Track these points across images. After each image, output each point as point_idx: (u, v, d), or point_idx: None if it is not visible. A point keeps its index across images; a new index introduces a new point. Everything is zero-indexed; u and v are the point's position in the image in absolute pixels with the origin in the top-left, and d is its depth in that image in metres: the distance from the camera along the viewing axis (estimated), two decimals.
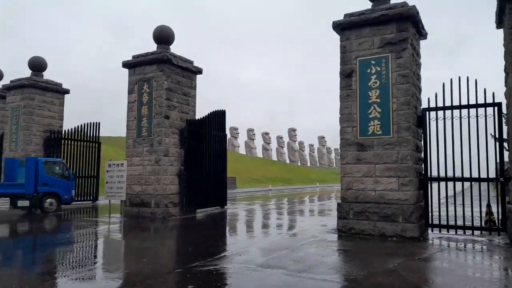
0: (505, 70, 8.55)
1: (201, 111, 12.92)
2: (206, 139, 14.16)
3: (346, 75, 9.66)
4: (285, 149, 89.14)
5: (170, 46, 13.54)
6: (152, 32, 13.55)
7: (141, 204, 12.59)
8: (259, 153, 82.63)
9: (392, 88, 9.10)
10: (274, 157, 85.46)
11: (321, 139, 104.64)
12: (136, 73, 13.30)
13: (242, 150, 79.94)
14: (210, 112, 14.54)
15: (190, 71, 13.64)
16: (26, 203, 13.10)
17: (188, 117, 13.44)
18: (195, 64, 13.91)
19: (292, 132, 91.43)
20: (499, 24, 9.02)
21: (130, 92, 13.41)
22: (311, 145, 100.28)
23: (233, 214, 13.99)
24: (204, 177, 13.91)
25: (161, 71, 12.77)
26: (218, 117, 14.98)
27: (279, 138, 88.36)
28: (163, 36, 13.31)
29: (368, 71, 9.41)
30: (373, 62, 9.37)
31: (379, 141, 9.15)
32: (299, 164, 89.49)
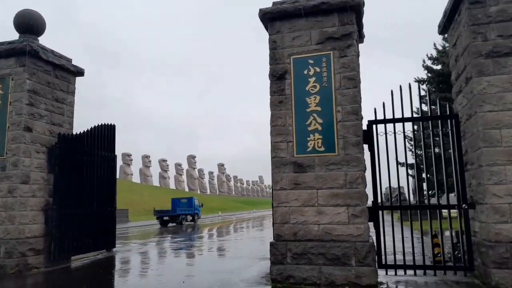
0: (461, 75, 7.37)
1: (82, 126, 9.44)
2: (87, 161, 10.74)
3: (278, 77, 7.60)
4: (184, 177, 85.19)
5: (39, 38, 10.08)
6: (13, 18, 9.96)
7: None
8: (155, 181, 77.20)
9: (335, 93, 7.28)
10: (172, 186, 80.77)
11: (221, 166, 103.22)
12: None
13: (136, 179, 73.71)
14: (94, 126, 11.21)
15: (66, 70, 10.27)
16: (189, 218, 32.40)
17: (62, 131, 9.96)
18: (74, 63, 10.60)
19: (191, 159, 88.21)
20: (448, 23, 7.95)
21: None
22: (210, 173, 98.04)
23: (123, 260, 10.63)
24: (83, 212, 10.39)
25: (22, 66, 9.21)
26: (105, 133, 11.68)
27: (178, 165, 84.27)
28: (28, 23, 9.81)
29: (305, 72, 7.48)
30: (310, 61, 7.48)
31: (321, 159, 7.16)
32: (199, 192, 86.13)
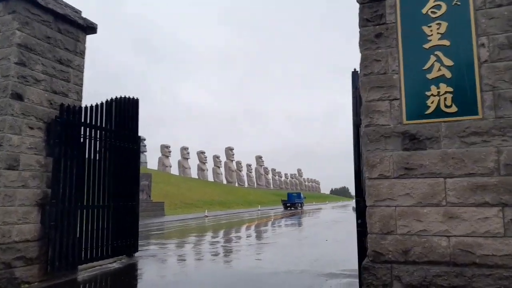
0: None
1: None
2: (101, 142, 8.39)
3: None
4: (222, 169, 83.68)
5: None
6: None
7: None
8: (193, 173, 76.15)
9: (476, 15, 4.34)
10: (210, 178, 79.46)
11: (259, 159, 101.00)
12: None
13: (174, 171, 72.90)
14: (111, 99, 8.84)
15: (73, 23, 7.91)
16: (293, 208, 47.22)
17: (67, 102, 7.63)
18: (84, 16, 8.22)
19: (229, 151, 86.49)
20: None
21: None
22: (248, 165, 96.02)
23: (147, 274, 8.19)
24: (94, 207, 8.07)
25: (11, 13, 6.91)
26: (126, 108, 9.30)
27: (216, 157, 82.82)
28: None
29: None
30: None
31: (452, 127, 4.29)
32: (237, 185, 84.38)
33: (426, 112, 4.46)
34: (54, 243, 7.09)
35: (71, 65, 7.85)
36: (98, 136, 8.29)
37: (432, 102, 4.42)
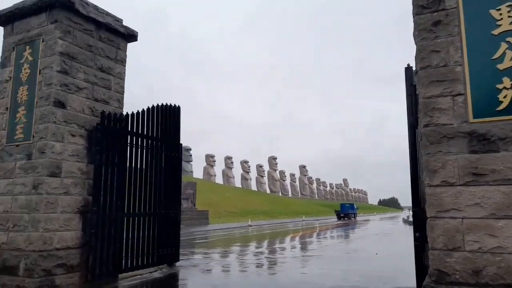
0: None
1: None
2: (143, 150, 8.33)
3: None
4: (266, 179, 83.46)
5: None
6: None
7: (1, 269, 6.50)
8: (237, 183, 76.55)
9: None
10: (254, 187, 79.45)
11: (302, 168, 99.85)
12: (15, 31, 7.53)
13: (219, 180, 73.67)
14: (152, 106, 8.79)
15: (113, 31, 7.96)
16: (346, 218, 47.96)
17: (108, 109, 7.63)
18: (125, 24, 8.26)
19: (272, 160, 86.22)
20: None
21: (2, 64, 7.57)
22: (292, 175, 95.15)
23: (187, 285, 7.94)
24: (135, 215, 7.98)
25: (53, 22, 7.04)
26: (167, 116, 9.22)
27: (259, 166, 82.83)
28: None
29: None
30: None
31: None
32: (280, 194, 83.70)
33: (498, 109, 3.83)
34: (95, 250, 7.02)
35: (112, 73, 7.87)
36: (139, 144, 8.23)
37: (504, 97, 3.78)
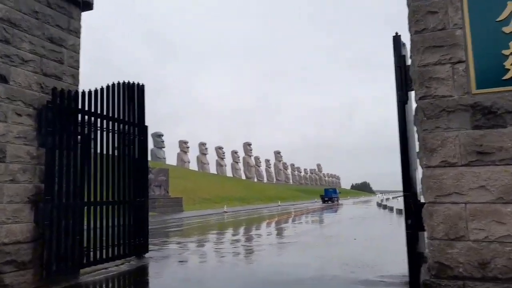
0: None
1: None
2: (102, 131, 7.52)
3: None
4: (241, 165, 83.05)
5: None
6: None
7: None
8: (212, 169, 75.74)
9: None
10: (229, 173, 78.92)
11: (277, 154, 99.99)
12: None
13: (193, 166, 72.63)
14: (113, 84, 7.94)
15: None
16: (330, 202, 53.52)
17: (61, 86, 6.75)
18: None
19: (247, 146, 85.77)
20: None
21: None
22: (267, 160, 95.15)
23: (156, 279, 7.28)
24: (97, 204, 7.22)
25: None
26: (130, 96, 8.40)
27: (234, 152, 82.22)
28: None
29: None
30: None
31: None
32: (256, 180, 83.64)
33: (504, 78, 3.34)
34: (50, 244, 6.24)
35: (64, 45, 6.97)
36: (98, 125, 7.41)
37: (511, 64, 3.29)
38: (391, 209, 28.73)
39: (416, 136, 4.31)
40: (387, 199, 51.10)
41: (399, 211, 24.50)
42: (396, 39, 4.62)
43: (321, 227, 17.19)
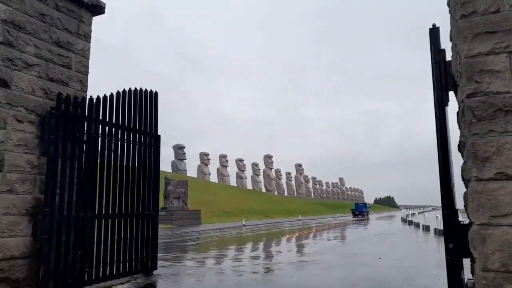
0: None
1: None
2: (111, 141, 7.11)
3: None
4: (261, 177, 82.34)
5: None
6: None
7: None
8: (232, 181, 75.34)
9: None
10: (249, 186, 78.28)
11: (298, 167, 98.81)
12: None
13: (213, 178, 72.45)
14: (123, 90, 7.57)
15: (74, 1, 6.71)
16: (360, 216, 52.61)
17: (67, 91, 6.40)
18: None
19: (268, 159, 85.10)
20: None
21: None
22: (288, 173, 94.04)
23: None
24: (103, 217, 6.77)
25: None
26: (142, 103, 8.01)
27: (255, 165, 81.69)
28: None
29: None
30: None
31: None
32: (276, 193, 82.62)
33: None
34: (48, 260, 5.81)
35: (72, 49, 6.65)
36: (107, 133, 7.02)
37: None
38: (417, 225, 27.39)
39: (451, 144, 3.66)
40: (413, 214, 49.11)
41: (425, 228, 23.25)
42: (434, 32, 4.00)
43: (343, 244, 16.30)
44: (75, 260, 6.18)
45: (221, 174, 73.67)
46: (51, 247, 5.84)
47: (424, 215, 28.15)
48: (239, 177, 77.13)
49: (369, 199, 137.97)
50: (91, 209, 6.55)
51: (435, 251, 13.37)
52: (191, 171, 69.93)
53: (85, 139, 6.54)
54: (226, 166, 75.19)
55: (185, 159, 66.42)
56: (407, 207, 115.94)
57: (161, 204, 29.75)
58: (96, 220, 6.65)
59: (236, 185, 74.09)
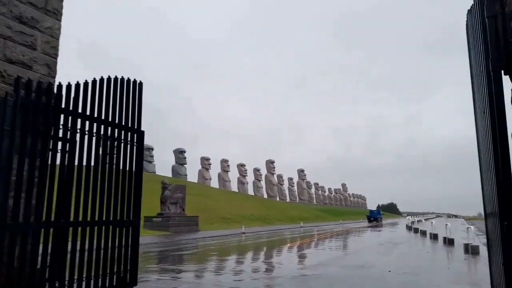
0: None
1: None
2: (82, 135, 6.11)
3: None
4: (263, 183, 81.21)
5: None
6: None
7: None
8: (233, 186, 74.26)
9: None
10: (251, 191, 77.15)
11: (301, 172, 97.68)
12: None
13: (214, 184, 71.39)
14: (101, 78, 6.58)
15: None
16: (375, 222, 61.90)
17: (30, 75, 5.42)
18: None
19: (270, 164, 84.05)
20: None
21: None
22: (290, 179, 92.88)
23: None
24: (70, 225, 5.75)
25: None
26: (122, 93, 7.01)
27: (256, 170, 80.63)
28: None
29: None
30: None
31: None
32: (278, 199, 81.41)
33: None
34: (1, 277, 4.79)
35: (38, 27, 5.68)
36: (78, 127, 6.02)
37: None
38: (423, 233, 26.24)
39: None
40: (419, 221, 47.75)
41: (433, 236, 22.10)
42: (479, 5, 3.02)
43: (348, 254, 15.21)
44: (33, 275, 5.15)
45: (222, 179, 72.63)
46: (2, 261, 4.83)
47: (432, 222, 26.92)
48: (241, 182, 76.06)
49: (371, 206, 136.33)
50: (58, 217, 5.54)
51: (449, 262, 12.27)
52: (192, 176, 69.00)
53: (52, 132, 5.55)
54: (228, 171, 74.16)
55: (185, 164, 65.45)
56: (411, 214, 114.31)
57: (158, 209, 28.69)
58: (61, 229, 5.63)
59: (237, 191, 73.00)
